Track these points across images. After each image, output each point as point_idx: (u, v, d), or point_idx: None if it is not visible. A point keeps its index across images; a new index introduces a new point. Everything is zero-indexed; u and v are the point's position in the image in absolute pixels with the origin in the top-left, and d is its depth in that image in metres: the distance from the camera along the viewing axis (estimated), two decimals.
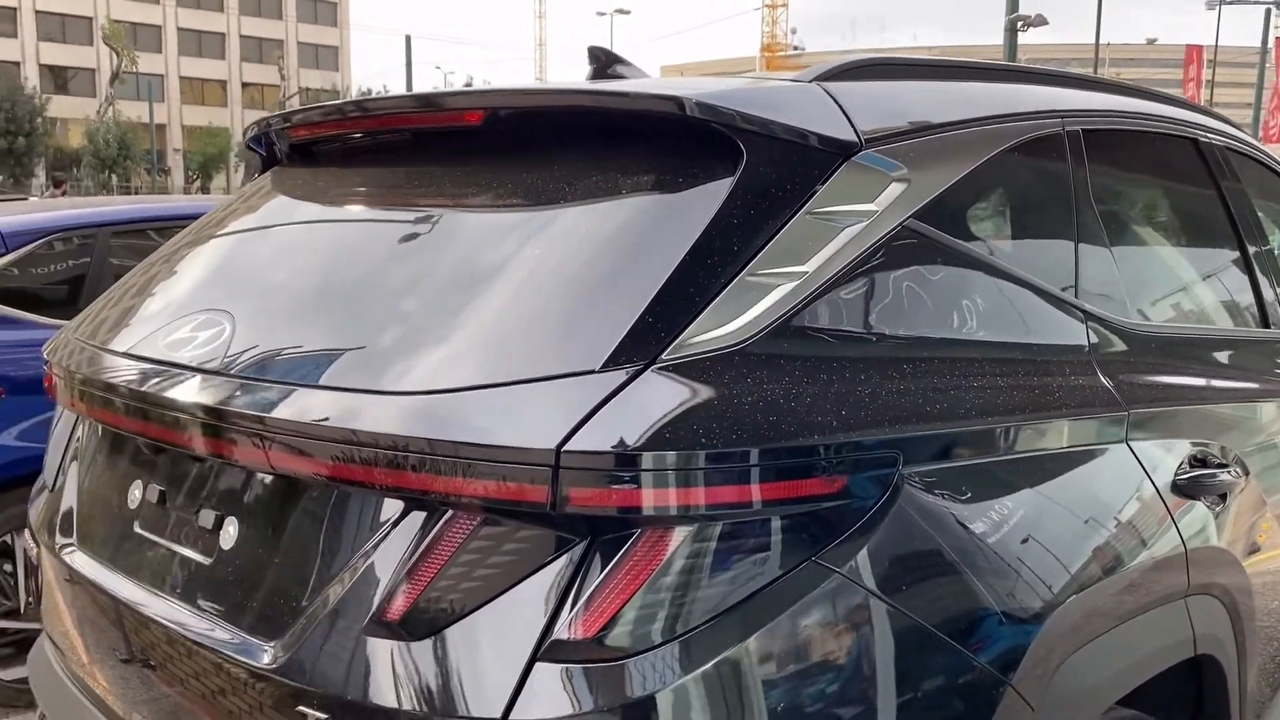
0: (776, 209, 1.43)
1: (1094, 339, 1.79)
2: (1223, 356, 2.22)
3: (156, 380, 1.58)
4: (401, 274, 1.54)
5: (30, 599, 3.51)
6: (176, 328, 1.67)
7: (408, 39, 39.63)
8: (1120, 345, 1.85)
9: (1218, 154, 2.47)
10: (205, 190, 52.94)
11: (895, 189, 1.55)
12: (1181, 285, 2.31)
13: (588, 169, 1.55)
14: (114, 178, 47.01)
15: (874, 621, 1.29)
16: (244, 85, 68.62)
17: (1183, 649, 1.74)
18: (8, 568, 3.48)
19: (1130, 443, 1.72)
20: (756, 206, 1.42)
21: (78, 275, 3.77)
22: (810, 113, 1.54)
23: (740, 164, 1.43)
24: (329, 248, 1.75)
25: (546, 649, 1.20)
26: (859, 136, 1.54)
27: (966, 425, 1.45)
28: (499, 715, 1.19)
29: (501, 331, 1.35)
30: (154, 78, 58.48)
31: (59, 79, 59.83)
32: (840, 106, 1.57)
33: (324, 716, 1.30)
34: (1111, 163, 2.16)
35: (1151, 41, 65.70)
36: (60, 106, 54.61)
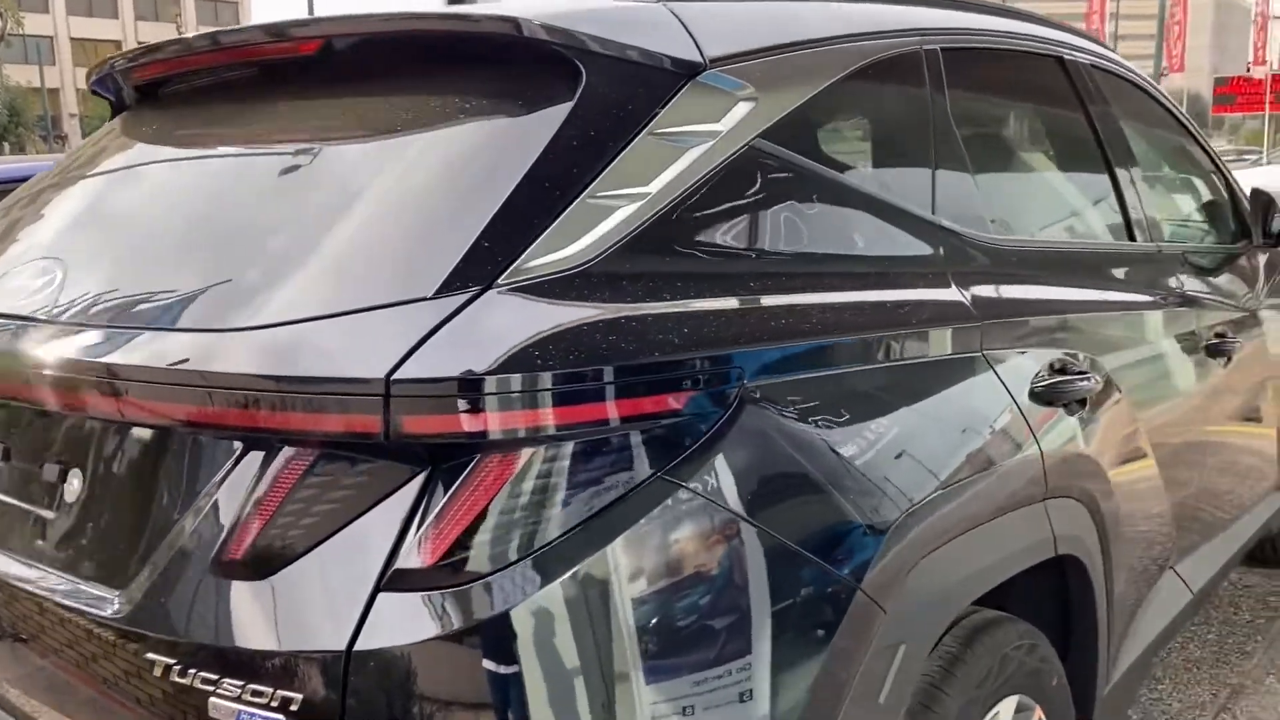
0: (617, 130, 1.41)
1: (949, 253, 1.81)
2: (1086, 269, 2.27)
3: None
4: (236, 212, 1.50)
5: None
6: (10, 278, 1.61)
7: None
8: (977, 259, 1.88)
9: (1084, 72, 2.51)
10: None
11: (742, 109, 1.55)
12: (1044, 201, 2.36)
13: (427, 95, 1.51)
14: (5, 146, 44.96)
15: (722, 533, 1.30)
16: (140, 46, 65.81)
17: (1042, 549, 1.80)
18: None
19: (985, 352, 1.76)
20: (596, 128, 1.40)
21: None
22: (653, 32, 1.52)
23: (579, 85, 1.41)
24: (165, 189, 1.69)
25: (389, 579, 1.19)
26: (703, 56, 1.53)
27: (812, 339, 1.47)
28: (343, 646, 1.18)
29: (337, 263, 1.32)
30: (42, 39, 55.84)
31: None
32: (685, 26, 1.55)
33: (172, 662, 1.28)
34: (973, 82, 2.19)
35: None
36: None
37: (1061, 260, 2.18)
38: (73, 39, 62.37)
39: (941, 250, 1.81)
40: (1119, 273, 2.39)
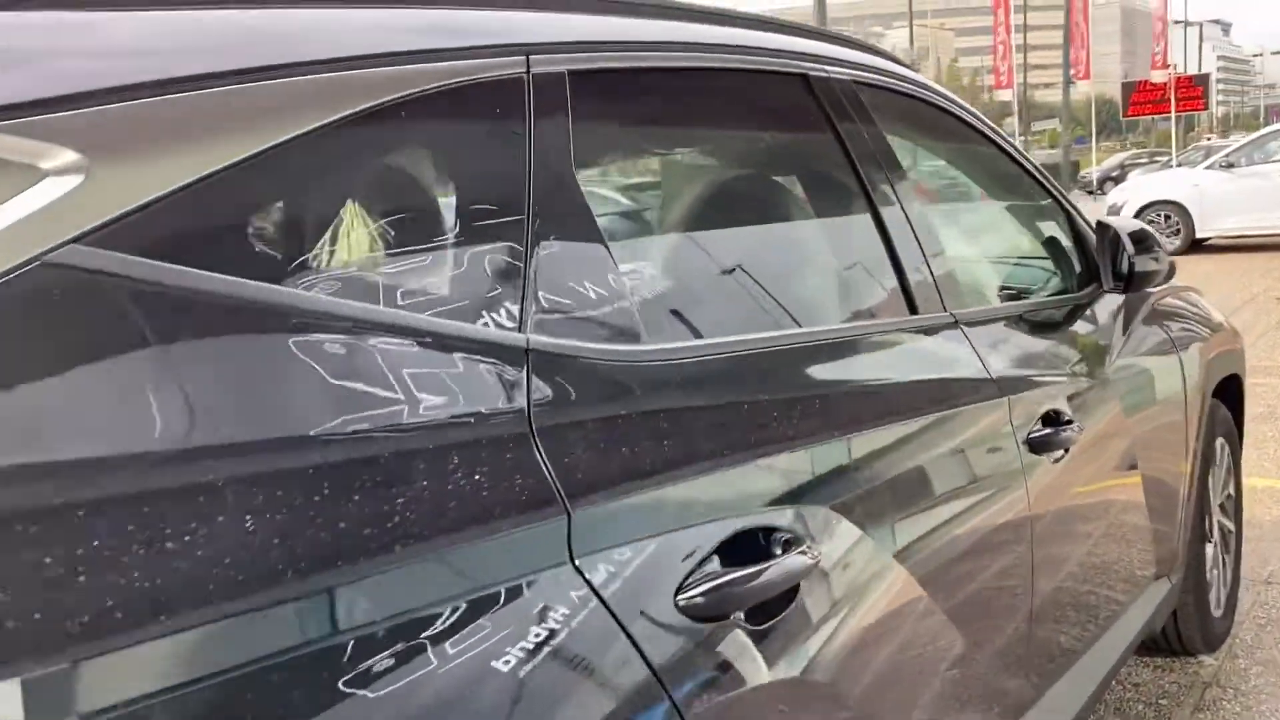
0: None
1: (540, 393, 1.14)
2: (820, 373, 1.60)
3: None
4: None
5: None
6: None
7: None
8: (600, 397, 1.20)
9: (838, 91, 1.87)
10: None
11: (44, 195, 0.86)
12: (761, 283, 1.68)
13: None
14: None
15: None
16: None
17: None
18: None
19: (578, 561, 1.07)
20: None
21: None
22: None
23: None
24: None
25: None
26: None
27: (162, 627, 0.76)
28: None
29: None
30: None
31: None
32: None
33: None
34: (631, 115, 1.53)
35: None
36: None
37: (774, 369, 1.50)
38: None
39: (525, 394, 1.13)
40: (881, 367, 1.74)
